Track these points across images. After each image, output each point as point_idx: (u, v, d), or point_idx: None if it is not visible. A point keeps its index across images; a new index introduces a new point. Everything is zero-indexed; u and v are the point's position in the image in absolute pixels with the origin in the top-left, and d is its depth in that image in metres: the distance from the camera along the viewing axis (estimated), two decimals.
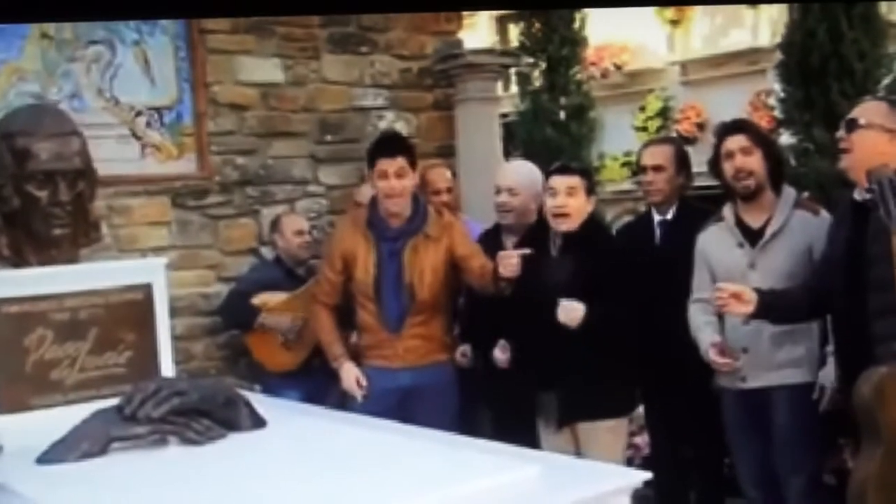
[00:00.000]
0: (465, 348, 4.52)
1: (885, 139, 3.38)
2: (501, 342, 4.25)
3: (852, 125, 3.46)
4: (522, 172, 4.67)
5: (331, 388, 4.86)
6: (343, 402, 4.41)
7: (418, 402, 4.24)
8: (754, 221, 3.91)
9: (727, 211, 4.00)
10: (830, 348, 3.71)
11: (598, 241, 4.11)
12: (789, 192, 3.93)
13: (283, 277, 5.24)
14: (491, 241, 4.60)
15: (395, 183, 4.24)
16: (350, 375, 4.33)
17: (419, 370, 4.31)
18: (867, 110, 3.49)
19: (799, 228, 3.82)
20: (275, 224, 5.42)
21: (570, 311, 3.86)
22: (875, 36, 5.55)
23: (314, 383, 4.94)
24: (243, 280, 5.39)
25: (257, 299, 5.12)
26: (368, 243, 4.34)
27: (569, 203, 4.05)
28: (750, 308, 3.52)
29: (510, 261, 4.00)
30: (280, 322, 5.06)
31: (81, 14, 4.10)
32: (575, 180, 4.10)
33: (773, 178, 3.90)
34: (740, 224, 3.94)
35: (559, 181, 4.09)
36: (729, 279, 3.87)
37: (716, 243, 4.00)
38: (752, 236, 3.90)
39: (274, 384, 4.96)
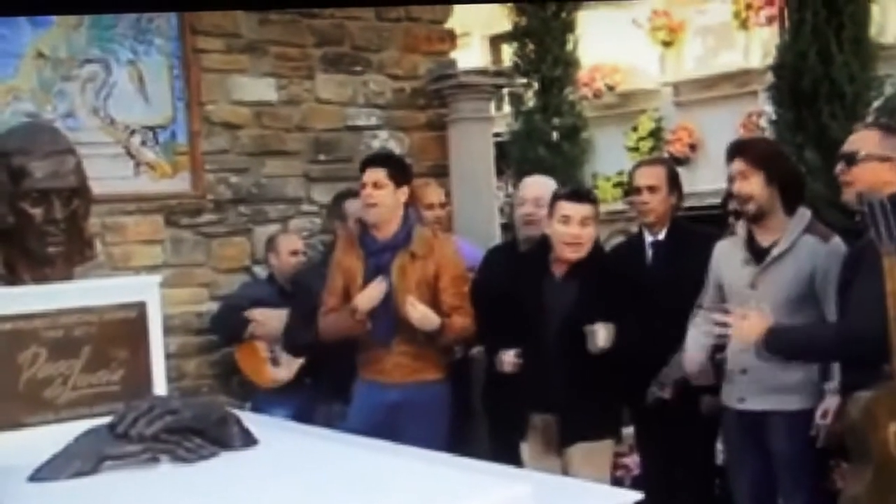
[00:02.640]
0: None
1: (885, 168, 3.37)
2: (515, 349, 4.16)
3: (851, 158, 3.43)
4: (547, 185, 4.70)
5: (319, 405, 4.88)
6: (331, 419, 4.42)
7: (406, 418, 4.26)
8: (764, 241, 3.86)
9: (740, 226, 3.99)
10: (829, 385, 3.67)
11: (600, 266, 4.11)
12: (803, 214, 3.84)
13: (275, 295, 5.26)
14: (506, 256, 4.71)
15: (369, 191, 4.36)
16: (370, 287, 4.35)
17: (408, 387, 4.33)
18: (862, 141, 3.46)
19: (804, 254, 3.76)
20: (270, 243, 5.44)
21: (599, 338, 3.88)
22: (865, 59, 5.60)
23: (303, 401, 4.96)
24: (236, 294, 5.41)
25: (249, 313, 5.13)
26: (360, 259, 4.42)
27: (583, 234, 4.04)
28: (754, 335, 3.45)
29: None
30: (267, 330, 5.08)
31: (75, 7, 4.12)
32: (589, 210, 4.09)
33: (785, 200, 3.83)
34: (752, 241, 3.90)
35: (574, 210, 4.05)
36: (732, 295, 3.89)
37: (726, 257, 3.99)
38: (759, 255, 3.86)
39: (263, 401, 4.98)
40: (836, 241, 3.76)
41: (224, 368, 5.50)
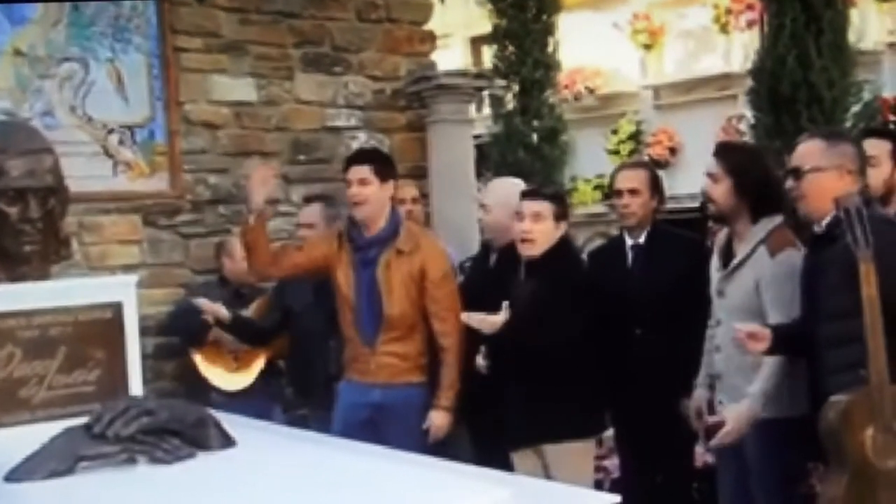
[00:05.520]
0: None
1: (832, 177, 3.36)
2: (483, 348, 4.22)
3: (798, 173, 3.44)
4: (497, 190, 4.70)
5: (275, 409, 4.88)
6: (290, 420, 4.41)
7: (387, 420, 4.26)
8: (736, 248, 3.85)
9: (722, 233, 4.00)
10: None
11: (562, 267, 4.08)
12: (764, 224, 3.78)
13: (228, 298, 5.21)
14: (480, 260, 4.74)
15: (355, 189, 4.34)
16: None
17: (390, 389, 4.31)
18: (806, 155, 3.45)
19: (753, 265, 3.75)
20: (222, 246, 5.39)
21: (482, 321, 3.88)
22: (844, 64, 5.63)
23: (260, 404, 4.91)
24: (193, 296, 5.33)
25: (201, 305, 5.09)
26: (346, 254, 4.40)
27: (533, 229, 4.05)
28: (764, 346, 3.44)
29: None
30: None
31: None
32: (542, 206, 4.09)
33: (753, 209, 3.79)
34: (728, 248, 3.89)
35: (525, 206, 4.10)
36: (713, 301, 3.91)
37: (713, 264, 4.00)
38: (727, 263, 3.86)
39: (219, 405, 4.92)
40: (784, 255, 3.69)
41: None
